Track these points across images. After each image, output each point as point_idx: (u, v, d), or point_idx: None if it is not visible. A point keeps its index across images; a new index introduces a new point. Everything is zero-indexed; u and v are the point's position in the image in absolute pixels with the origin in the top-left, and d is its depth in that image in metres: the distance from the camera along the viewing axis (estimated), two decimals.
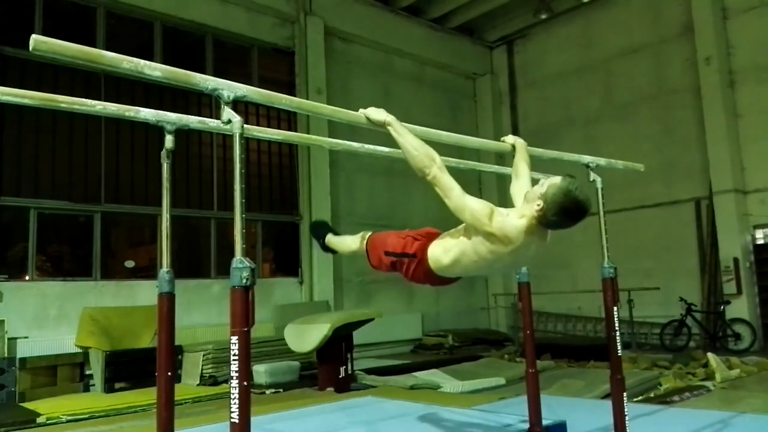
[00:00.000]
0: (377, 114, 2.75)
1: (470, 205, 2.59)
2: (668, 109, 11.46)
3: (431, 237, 2.99)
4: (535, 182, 2.84)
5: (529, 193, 2.68)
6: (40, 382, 7.10)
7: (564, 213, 2.56)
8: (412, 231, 3.12)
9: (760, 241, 10.32)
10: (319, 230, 3.78)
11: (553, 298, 11.72)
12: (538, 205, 2.56)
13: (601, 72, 12.49)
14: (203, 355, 7.82)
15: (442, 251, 2.84)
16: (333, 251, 3.68)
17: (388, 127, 2.74)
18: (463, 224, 2.78)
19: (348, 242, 3.46)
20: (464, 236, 2.75)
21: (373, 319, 7.72)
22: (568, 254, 11.35)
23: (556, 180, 2.59)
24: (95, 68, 6.66)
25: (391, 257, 3.04)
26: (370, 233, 3.31)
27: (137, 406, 6.32)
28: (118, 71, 2.07)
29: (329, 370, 7.11)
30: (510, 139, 3.39)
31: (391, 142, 3.52)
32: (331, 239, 3.64)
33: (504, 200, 12.96)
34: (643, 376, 6.94)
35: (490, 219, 2.57)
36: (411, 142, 2.70)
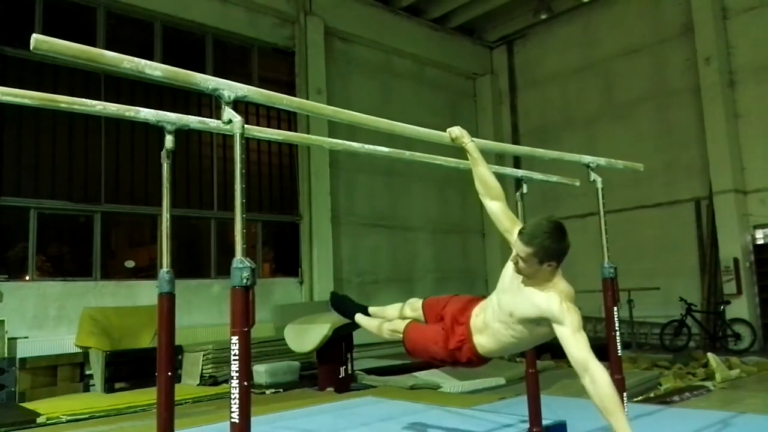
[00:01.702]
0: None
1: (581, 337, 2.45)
2: (668, 109, 11.46)
3: (465, 328, 2.83)
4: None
5: (525, 272, 2.55)
6: (40, 382, 7.10)
7: (560, 245, 2.52)
8: (443, 319, 2.93)
9: (760, 241, 10.32)
10: (343, 307, 3.58)
11: None
12: (549, 265, 2.51)
13: (601, 72, 12.49)
14: (203, 355, 7.82)
15: (495, 345, 2.75)
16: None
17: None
18: (515, 317, 2.62)
19: (383, 333, 3.22)
20: (523, 331, 2.63)
21: None
22: (568, 254, 11.33)
23: (523, 247, 2.49)
24: (96, 68, 6.67)
25: (441, 362, 2.98)
26: (404, 327, 3.07)
27: (137, 406, 6.31)
28: (118, 71, 2.07)
29: (329, 370, 7.11)
30: (456, 131, 2.99)
31: (392, 142, 3.54)
32: (361, 321, 3.43)
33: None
34: (643, 376, 6.93)
35: (575, 317, 2.47)
36: None
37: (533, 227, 2.54)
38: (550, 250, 2.49)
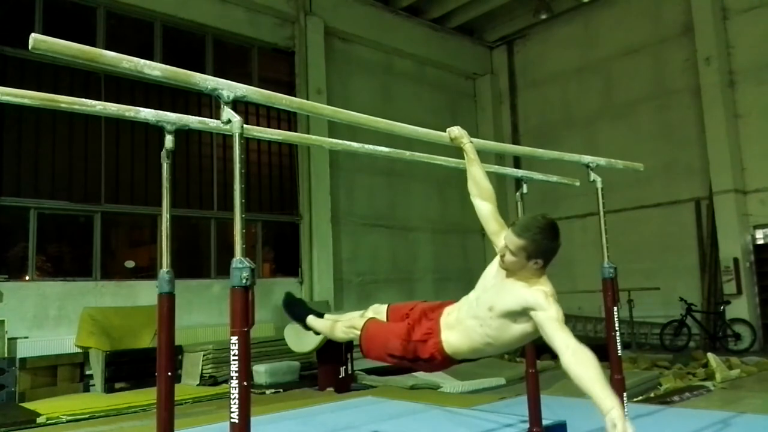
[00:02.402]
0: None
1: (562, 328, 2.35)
2: (668, 109, 11.46)
3: (434, 323, 2.72)
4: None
5: (511, 266, 2.50)
6: (40, 382, 7.10)
7: (552, 243, 2.49)
8: (409, 316, 2.83)
9: (760, 241, 10.32)
10: (295, 309, 3.32)
11: None
12: (536, 263, 2.46)
13: (601, 72, 12.49)
14: (203, 355, 7.82)
15: (464, 343, 2.62)
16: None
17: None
18: (490, 314, 2.54)
19: (336, 332, 3.04)
20: (498, 329, 2.53)
21: None
22: (568, 254, 11.33)
23: (515, 239, 2.45)
24: (95, 68, 6.67)
25: (398, 360, 2.77)
26: (363, 323, 2.91)
27: (137, 406, 6.31)
28: (118, 71, 2.07)
29: (329, 370, 7.11)
30: (455, 131, 3.00)
31: (392, 142, 3.54)
32: (313, 323, 3.20)
33: (503, 200, 12.85)
34: (643, 376, 6.93)
35: (557, 310, 2.39)
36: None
37: (528, 220, 2.51)
38: (540, 246, 2.44)
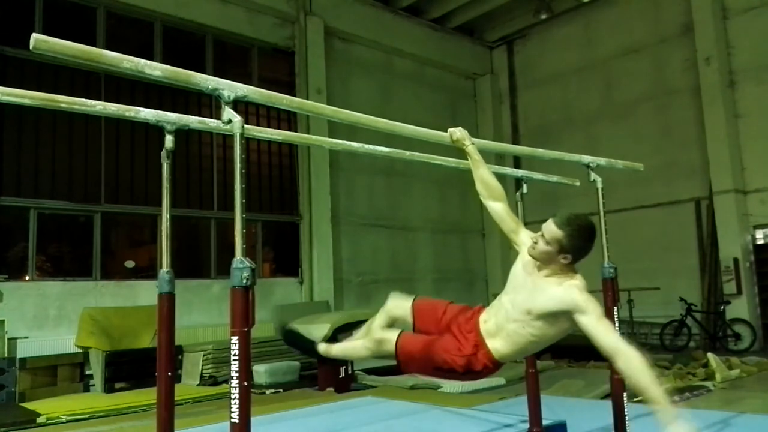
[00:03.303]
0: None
1: (611, 328, 2.44)
2: (668, 109, 11.46)
3: (475, 334, 2.64)
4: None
5: (539, 256, 2.50)
6: (40, 382, 7.10)
7: (587, 243, 2.52)
8: (448, 325, 2.71)
9: (760, 241, 10.32)
10: (299, 343, 3.12)
11: None
12: (565, 258, 2.47)
13: (601, 72, 12.49)
14: (203, 355, 7.82)
15: (512, 347, 2.59)
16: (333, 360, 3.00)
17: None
18: (534, 315, 2.52)
19: (360, 352, 2.86)
20: (542, 328, 2.53)
21: None
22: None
23: (554, 229, 2.46)
24: (96, 68, 6.67)
25: (445, 373, 2.67)
26: (395, 339, 2.71)
27: (137, 406, 6.31)
28: (118, 71, 2.07)
29: (329, 370, 7.10)
30: (457, 132, 2.95)
31: (391, 141, 3.54)
32: (327, 351, 2.98)
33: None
34: None
35: (596, 306, 2.43)
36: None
37: (571, 215, 2.51)
38: (575, 242, 2.46)
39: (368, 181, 11.72)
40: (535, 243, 2.52)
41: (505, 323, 2.59)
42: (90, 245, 8.36)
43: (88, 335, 7.44)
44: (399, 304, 2.89)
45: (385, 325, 2.86)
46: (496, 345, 2.61)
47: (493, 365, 2.65)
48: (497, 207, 2.82)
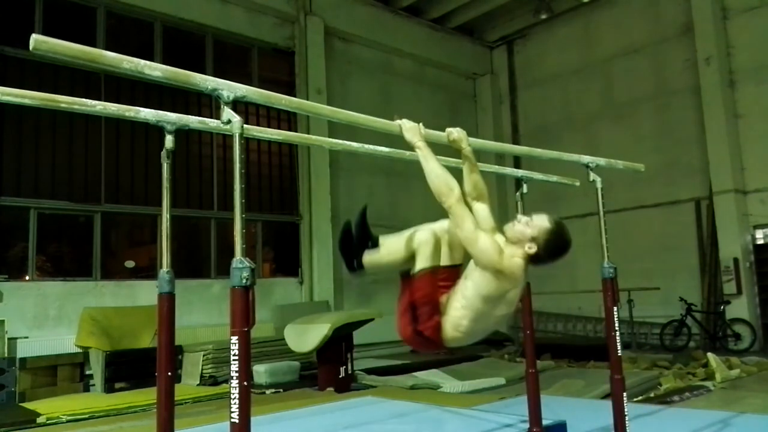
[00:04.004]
0: (410, 134, 2.77)
1: (482, 239, 2.54)
2: (668, 109, 11.46)
3: (449, 289, 2.74)
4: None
5: (512, 233, 2.63)
6: (40, 382, 7.10)
7: (555, 254, 2.64)
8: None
9: (760, 241, 10.32)
10: (350, 243, 2.95)
11: (553, 298, 11.73)
12: (530, 248, 2.58)
13: (601, 72, 12.49)
14: (203, 355, 7.82)
15: (456, 321, 2.66)
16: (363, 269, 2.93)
17: (417, 150, 2.76)
18: (465, 277, 2.67)
19: (396, 246, 2.92)
20: (468, 289, 2.62)
21: (373, 319, 7.72)
22: (568, 254, 11.34)
23: (544, 223, 2.61)
24: (96, 68, 6.66)
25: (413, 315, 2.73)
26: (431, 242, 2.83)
27: (137, 406, 6.32)
28: (118, 71, 2.07)
29: (329, 370, 7.11)
30: (455, 133, 2.96)
31: (391, 142, 3.54)
32: (371, 260, 2.93)
33: (503, 200, 12.84)
34: (643, 376, 6.94)
35: (500, 256, 2.54)
36: (434, 169, 2.69)
37: (567, 229, 2.67)
38: (551, 243, 2.60)
39: (368, 181, 11.72)
40: (519, 221, 2.64)
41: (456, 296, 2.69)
42: (90, 245, 8.36)
43: (88, 335, 7.44)
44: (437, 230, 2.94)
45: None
46: (451, 313, 2.68)
47: (437, 334, 2.68)
48: (481, 208, 2.94)
